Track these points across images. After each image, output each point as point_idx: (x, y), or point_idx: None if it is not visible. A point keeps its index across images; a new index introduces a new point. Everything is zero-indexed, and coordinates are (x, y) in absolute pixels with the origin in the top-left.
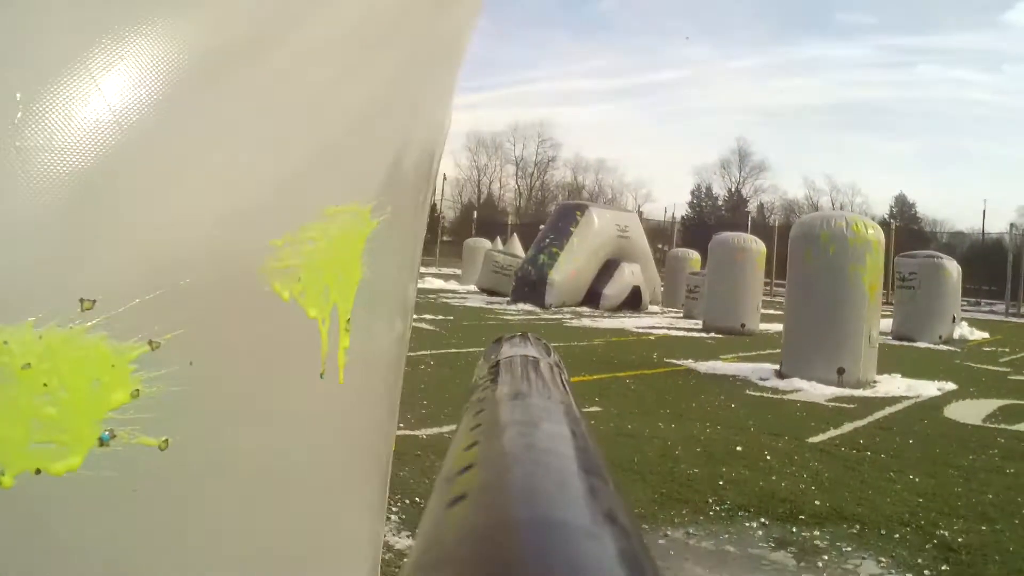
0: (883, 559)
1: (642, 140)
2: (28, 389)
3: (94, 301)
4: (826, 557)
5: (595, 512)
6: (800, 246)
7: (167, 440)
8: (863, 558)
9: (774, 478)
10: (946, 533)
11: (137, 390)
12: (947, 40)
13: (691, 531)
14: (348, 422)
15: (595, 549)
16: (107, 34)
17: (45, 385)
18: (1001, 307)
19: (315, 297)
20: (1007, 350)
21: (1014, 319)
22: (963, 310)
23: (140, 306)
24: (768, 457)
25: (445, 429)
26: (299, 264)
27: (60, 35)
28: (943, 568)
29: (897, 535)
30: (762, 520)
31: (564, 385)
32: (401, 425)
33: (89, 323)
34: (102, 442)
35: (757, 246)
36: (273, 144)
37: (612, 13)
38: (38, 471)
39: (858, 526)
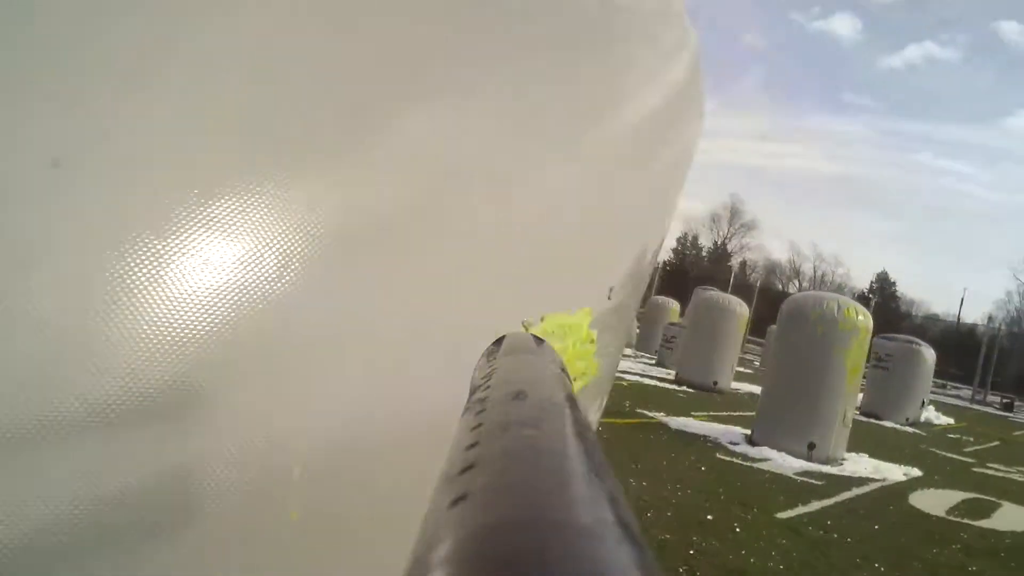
0: None
1: None
2: None
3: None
4: None
5: (598, 512)
6: (789, 322)
7: None
8: None
9: (743, 552)
10: None
11: None
12: (948, 132)
13: None
14: None
15: (596, 549)
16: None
17: None
18: (967, 392)
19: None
20: (971, 439)
21: (978, 407)
22: (931, 391)
23: None
24: (738, 529)
25: None
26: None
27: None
28: None
29: None
30: None
31: (566, 385)
32: None
33: None
34: None
35: (741, 309)
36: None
37: None
38: None
39: None
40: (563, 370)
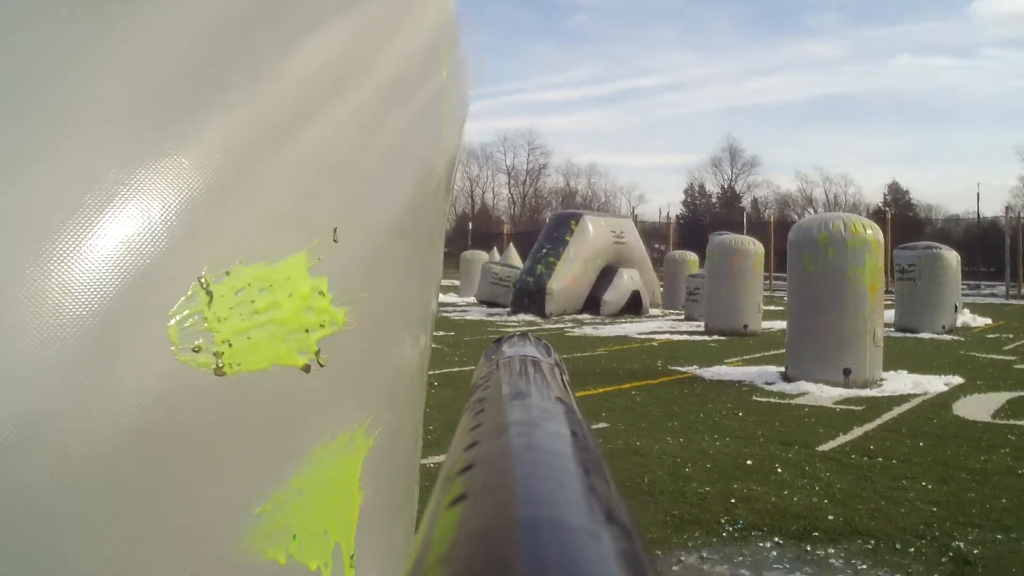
0: None
1: (632, 143)
2: None
3: None
4: None
5: (595, 512)
6: (799, 250)
7: None
8: (879, 575)
9: (786, 492)
10: (962, 544)
11: None
12: (922, 29)
13: (705, 555)
14: None
15: (595, 549)
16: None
17: None
18: (1001, 289)
19: (314, 548)
20: (1011, 336)
21: (1015, 301)
22: (964, 295)
23: None
24: (779, 470)
25: None
26: (291, 522)
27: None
28: None
29: (912, 549)
30: (776, 539)
31: (564, 385)
32: None
33: None
34: None
35: (755, 247)
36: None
37: (587, 24)
38: None
39: (872, 541)
40: (559, 366)
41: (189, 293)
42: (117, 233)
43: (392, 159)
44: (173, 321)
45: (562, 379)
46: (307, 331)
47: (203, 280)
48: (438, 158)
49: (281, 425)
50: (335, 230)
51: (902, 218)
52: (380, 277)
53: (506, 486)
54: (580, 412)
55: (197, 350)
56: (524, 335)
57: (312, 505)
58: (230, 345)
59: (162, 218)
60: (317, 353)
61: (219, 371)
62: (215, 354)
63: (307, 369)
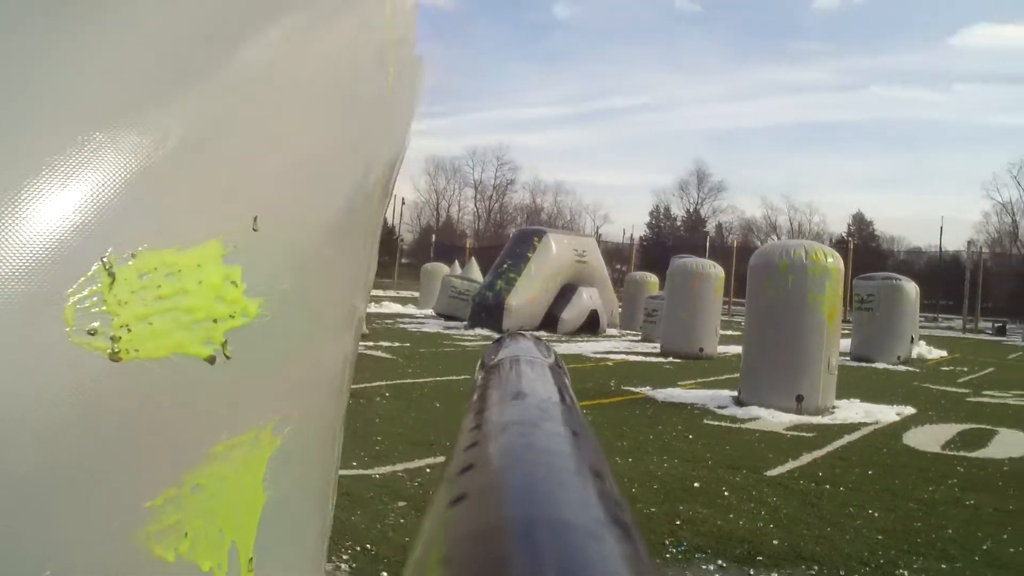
0: None
1: (600, 163)
2: None
3: None
4: None
5: (595, 512)
6: (759, 275)
7: None
8: None
9: (732, 516)
10: (906, 572)
11: None
12: (898, 61)
13: None
14: None
15: (595, 548)
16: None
17: None
18: (958, 322)
19: (207, 547)
20: (965, 369)
21: (971, 335)
22: (921, 326)
23: None
24: (726, 493)
25: (399, 467)
26: (184, 519)
27: None
28: None
29: (856, 575)
30: (720, 562)
31: (565, 385)
32: (353, 464)
33: None
34: None
35: (716, 271)
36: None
37: (565, 43)
38: None
39: (816, 566)
40: (560, 366)
41: (90, 273)
42: (23, 211)
43: (326, 159)
44: (70, 302)
45: (563, 379)
46: (215, 321)
47: (106, 261)
48: (377, 161)
49: (180, 417)
50: (255, 219)
51: (864, 248)
52: (302, 274)
53: (506, 486)
54: (580, 411)
55: (92, 332)
56: (523, 335)
57: (209, 503)
58: (129, 330)
59: (74, 198)
60: (224, 344)
61: (115, 356)
62: (112, 338)
63: (212, 360)
